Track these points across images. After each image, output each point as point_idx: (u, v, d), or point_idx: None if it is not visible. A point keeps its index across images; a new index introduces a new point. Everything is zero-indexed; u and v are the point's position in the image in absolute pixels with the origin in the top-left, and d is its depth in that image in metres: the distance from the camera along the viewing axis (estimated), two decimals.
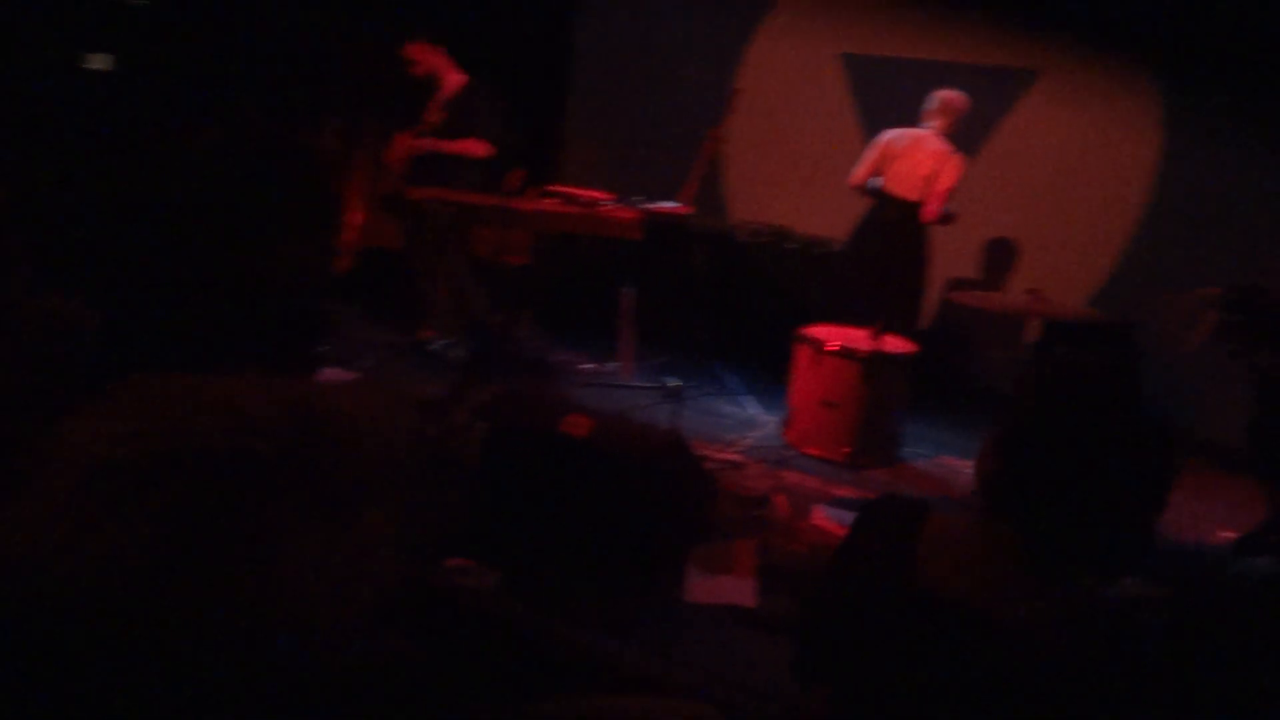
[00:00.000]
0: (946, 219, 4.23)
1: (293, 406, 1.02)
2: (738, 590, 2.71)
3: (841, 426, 3.04)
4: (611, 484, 2.78)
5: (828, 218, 5.12)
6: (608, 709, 1.34)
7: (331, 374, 4.02)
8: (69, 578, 0.84)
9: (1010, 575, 1.28)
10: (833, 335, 3.21)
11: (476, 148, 4.39)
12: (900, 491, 3.29)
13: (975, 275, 5.24)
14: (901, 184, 4.13)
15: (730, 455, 3.75)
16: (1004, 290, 4.96)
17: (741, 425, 4.24)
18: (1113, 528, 1.29)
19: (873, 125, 4.84)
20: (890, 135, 4.22)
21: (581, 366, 4.76)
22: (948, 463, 3.82)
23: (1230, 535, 3.07)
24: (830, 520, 2.78)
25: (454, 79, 4.46)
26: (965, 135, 5.24)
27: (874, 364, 3.02)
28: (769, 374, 4.53)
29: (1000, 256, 5.24)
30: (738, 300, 5.26)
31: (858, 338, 3.15)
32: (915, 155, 4.11)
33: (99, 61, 5.16)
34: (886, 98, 5.05)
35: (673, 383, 4.64)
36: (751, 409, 4.47)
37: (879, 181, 4.25)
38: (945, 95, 4.16)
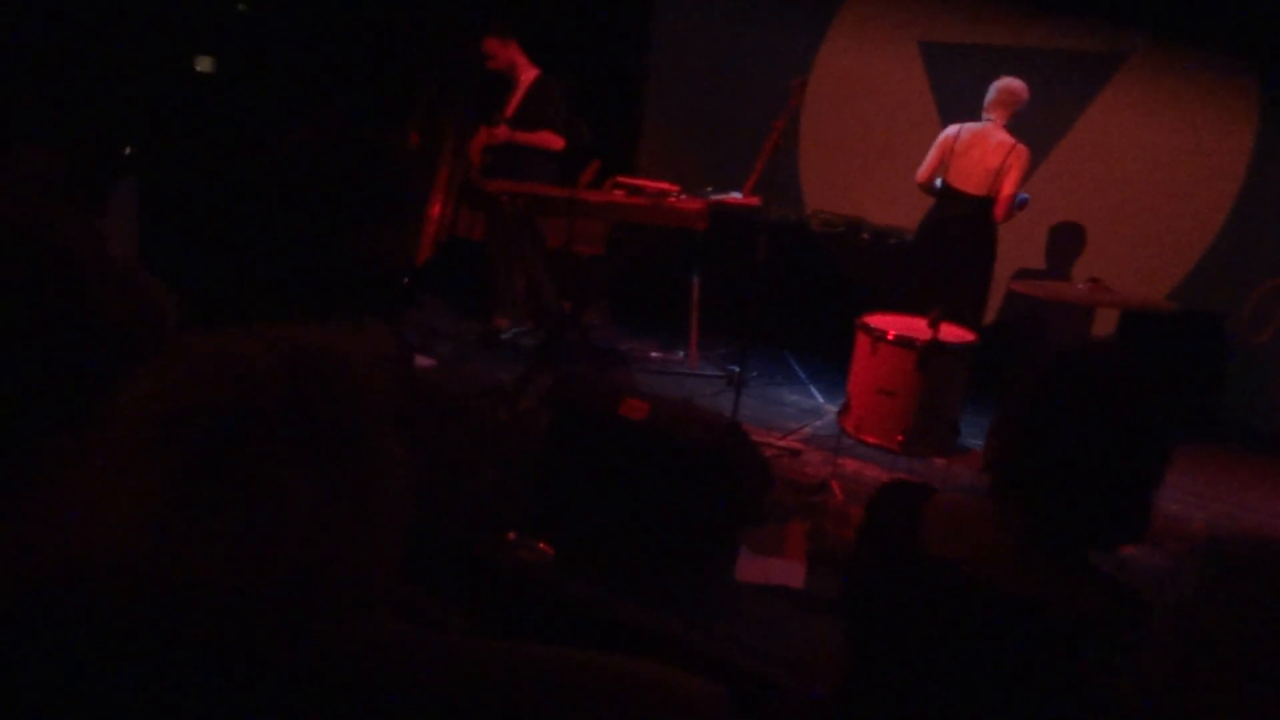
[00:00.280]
0: (1019, 207, 4.18)
1: (288, 357, 1.07)
2: (787, 572, 2.77)
3: (897, 414, 3.06)
4: (667, 466, 2.87)
5: (903, 208, 5.08)
6: (603, 666, 1.37)
7: (418, 361, 4.22)
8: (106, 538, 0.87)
9: (1010, 548, 1.32)
10: (893, 324, 3.22)
11: (550, 140, 4.52)
12: (954, 478, 3.28)
13: (1054, 266, 5.13)
14: (967, 180, 4.10)
15: (790, 443, 3.80)
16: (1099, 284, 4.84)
17: (805, 414, 4.27)
18: (1111, 504, 1.32)
19: (950, 114, 4.78)
20: (952, 130, 4.19)
21: (650, 354, 4.86)
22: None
23: None
24: None
25: (529, 73, 4.59)
26: (1046, 122, 5.13)
27: (930, 353, 3.03)
28: (837, 364, 4.53)
29: (1080, 247, 5.11)
30: (810, 291, 5.27)
31: (917, 326, 3.16)
32: (979, 150, 4.08)
33: (204, 64, 5.49)
34: (965, 86, 4.97)
35: (738, 371, 4.70)
36: (818, 398, 4.50)
37: (940, 178, 4.23)
38: (1005, 85, 4.10)
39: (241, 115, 5.43)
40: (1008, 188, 4.05)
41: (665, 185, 4.16)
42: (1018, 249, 5.28)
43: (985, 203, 4.11)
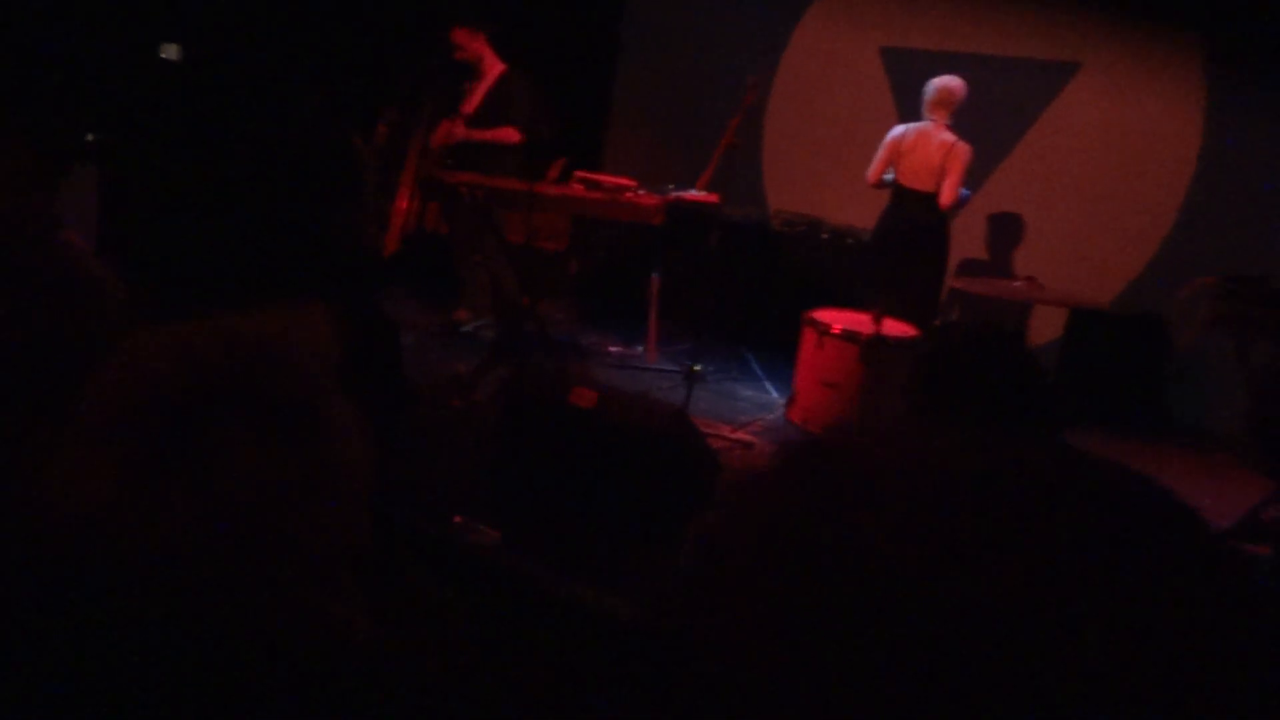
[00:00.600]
0: (962, 202, 4.31)
1: (231, 342, 1.13)
2: None
3: (841, 406, 3.14)
4: (614, 453, 2.93)
5: (863, 209, 5.17)
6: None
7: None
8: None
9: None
10: (838, 319, 3.31)
11: (508, 135, 4.56)
12: None
13: (1008, 266, 5.24)
14: (915, 177, 4.22)
15: (742, 435, 3.87)
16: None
17: (758, 408, 4.35)
18: None
19: (910, 118, 4.88)
20: (898, 131, 4.31)
21: (609, 349, 4.92)
22: None
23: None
24: None
25: (495, 67, 4.64)
26: (1003, 127, 5.25)
27: (873, 347, 3.11)
28: (795, 361, 4.64)
29: (1035, 248, 5.23)
30: (770, 289, 5.35)
31: (862, 322, 3.24)
32: (925, 149, 4.22)
33: (170, 52, 5.49)
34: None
35: (696, 366, 4.77)
36: (772, 394, 4.58)
37: (891, 176, 4.35)
38: (942, 84, 4.23)
39: (206, 103, 5.43)
40: (951, 181, 4.19)
41: (623, 180, 4.23)
42: (974, 250, 5.40)
43: (933, 197, 4.24)
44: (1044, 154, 5.19)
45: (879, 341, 3.12)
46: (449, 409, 3.73)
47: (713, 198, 4.15)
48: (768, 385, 4.71)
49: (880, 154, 4.37)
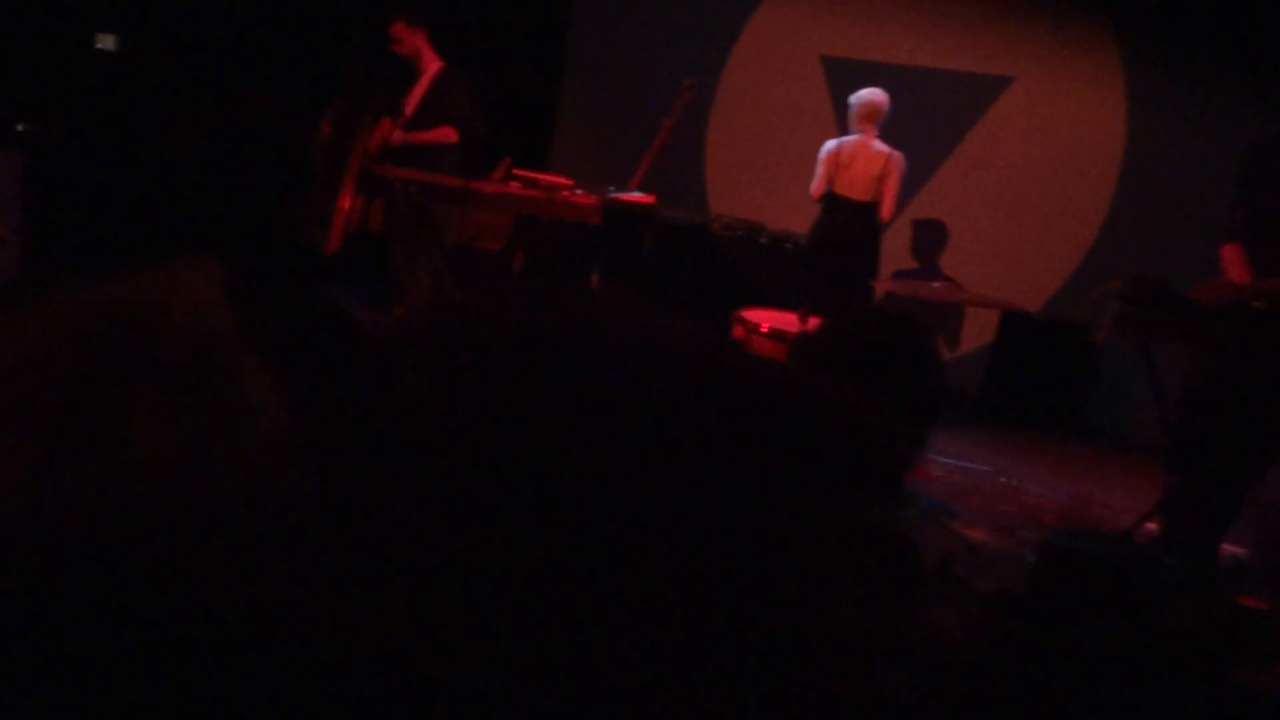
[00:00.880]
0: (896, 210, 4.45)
1: (108, 309, 1.14)
2: None
3: None
4: None
5: (801, 215, 5.26)
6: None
7: None
8: None
9: None
10: (767, 318, 3.36)
11: (445, 136, 4.56)
12: None
13: (939, 271, 5.36)
14: (853, 188, 4.35)
15: None
16: (966, 287, 5.08)
17: None
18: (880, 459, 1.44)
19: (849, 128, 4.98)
20: (832, 145, 4.44)
21: None
22: None
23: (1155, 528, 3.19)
24: None
25: (433, 65, 4.63)
26: (938, 137, 5.38)
27: (799, 345, 3.16)
28: None
29: (967, 254, 5.36)
30: (710, 292, 5.41)
31: (789, 321, 3.30)
32: (863, 160, 4.35)
33: (106, 42, 5.41)
34: None
35: None
36: None
37: (828, 188, 4.47)
38: (867, 99, 4.36)
39: (142, 95, 5.36)
40: (891, 190, 4.30)
41: (560, 179, 4.25)
42: (909, 257, 5.51)
43: (871, 207, 4.36)
44: (977, 164, 5.33)
45: (806, 339, 3.17)
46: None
47: (649, 199, 4.19)
48: None
49: (821, 169, 4.48)
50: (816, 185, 4.51)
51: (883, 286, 3.68)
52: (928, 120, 5.28)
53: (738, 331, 3.35)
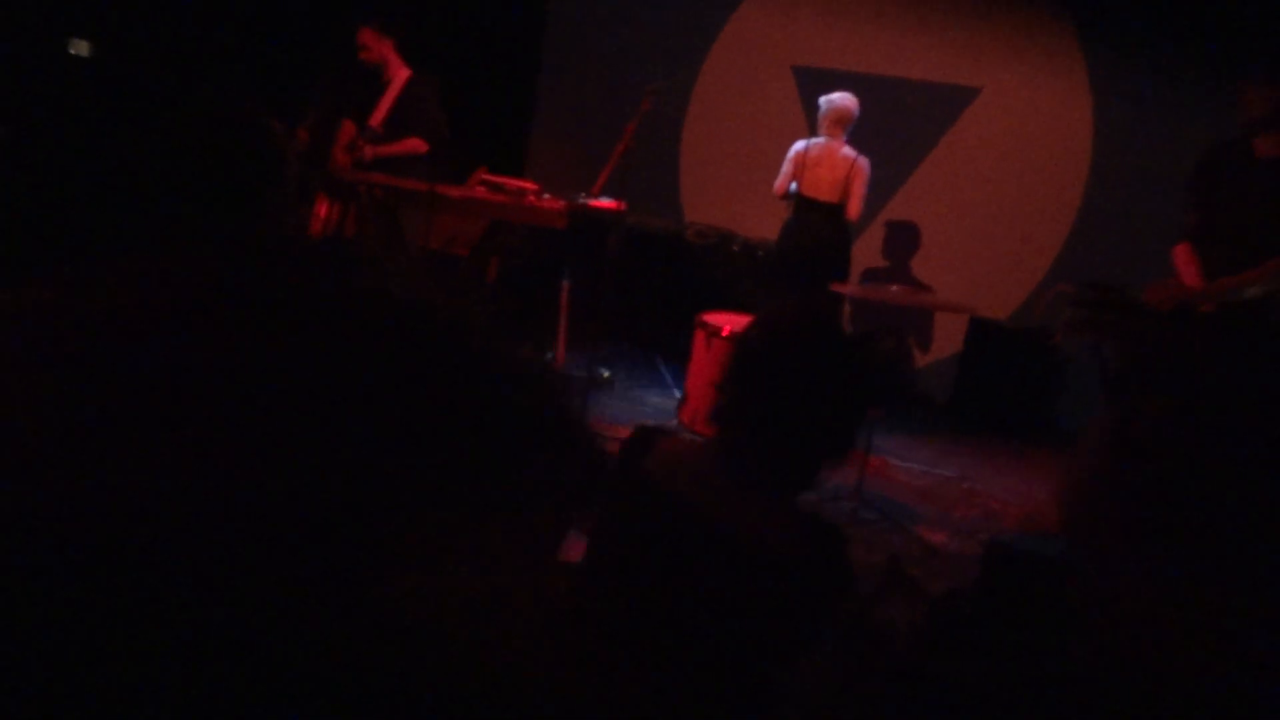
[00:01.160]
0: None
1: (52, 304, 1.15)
2: None
3: None
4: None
5: (774, 222, 5.28)
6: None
7: None
8: None
9: (719, 483, 1.46)
10: (728, 321, 3.38)
11: (415, 147, 4.55)
12: None
13: (912, 279, 5.40)
14: (819, 189, 4.36)
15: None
16: (937, 291, 5.12)
17: (662, 413, 4.40)
18: (802, 452, 1.46)
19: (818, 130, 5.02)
20: (801, 146, 4.45)
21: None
22: None
23: None
24: None
25: (401, 73, 4.63)
26: (909, 146, 5.43)
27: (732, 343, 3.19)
28: None
29: (939, 262, 5.40)
30: (683, 298, 5.43)
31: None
32: (829, 163, 4.37)
33: (80, 48, 5.41)
34: None
35: (605, 373, 4.82)
36: (679, 398, 4.64)
37: (794, 187, 4.49)
38: (838, 105, 4.39)
39: (116, 102, 5.36)
40: (858, 193, 4.34)
41: (526, 184, 4.27)
42: (878, 263, 5.55)
43: (838, 208, 4.39)
44: (946, 172, 5.38)
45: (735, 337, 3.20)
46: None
47: (618, 204, 4.20)
48: (676, 391, 4.77)
49: (786, 168, 4.50)
50: (780, 183, 4.53)
51: (840, 290, 3.70)
52: (898, 129, 5.33)
53: (700, 334, 3.37)
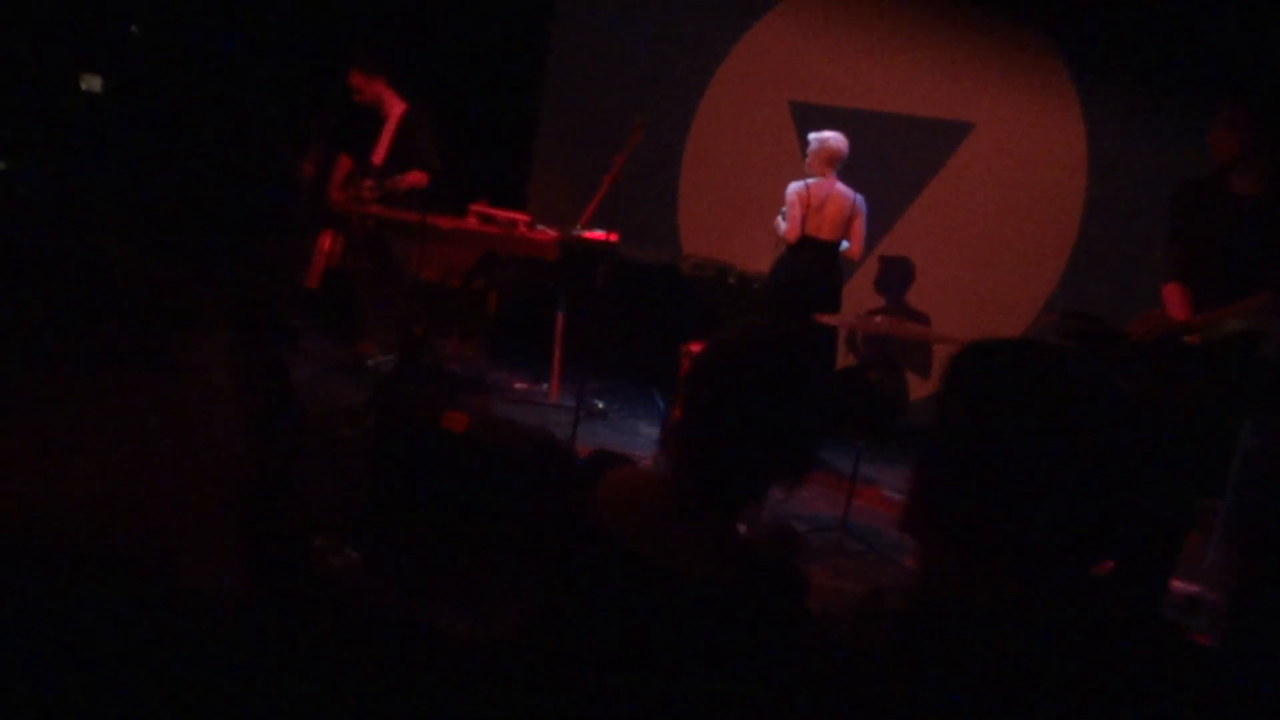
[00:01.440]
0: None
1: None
2: None
3: None
4: (483, 476, 2.96)
5: (770, 256, 5.32)
6: None
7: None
8: None
9: (661, 513, 1.45)
10: None
11: (418, 180, 4.61)
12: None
13: (917, 309, 5.40)
14: (821, 228, 4.44)
15: None
16: (935, 323, 5.12)
17: (653, 443, 4.41)
18: (752, 479, 1.46)
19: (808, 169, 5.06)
20: (800, 187, 4.47)
21: (515, 385, 4.96)
22: (819, 476, 4.02)
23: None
24: None
25: (397, 108, 4.70)
26: (904, 182, 5.46)
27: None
28: None
29: (936, 296, 5.41)
30: (679, 331, 5.44)
31: None
32: (835, 203, 4.45)
33: (92, 84, 5.53)
34: None
35: (600, 404, 4.83)
36: (666, 426, 4.64)
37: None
38: (832, 142, 4.44)
39: (127, 136, 5.46)
40: (859, 231, 4.41)
41: (517, 215, 4.32)
42: (875, 298, 5.56)
43: (834, 246, 4.45)
44: (942, 207, 5.40)
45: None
46: (339, 436, 3.74)
47: (611, 236, 4.24)
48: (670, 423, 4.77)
49: (795, 211, 4.46)
50: (792, 229, 4.47)
51: (825, 320, 3.72)
52: (894, 164, 5.37)
53: (686, 364, 3.38)
